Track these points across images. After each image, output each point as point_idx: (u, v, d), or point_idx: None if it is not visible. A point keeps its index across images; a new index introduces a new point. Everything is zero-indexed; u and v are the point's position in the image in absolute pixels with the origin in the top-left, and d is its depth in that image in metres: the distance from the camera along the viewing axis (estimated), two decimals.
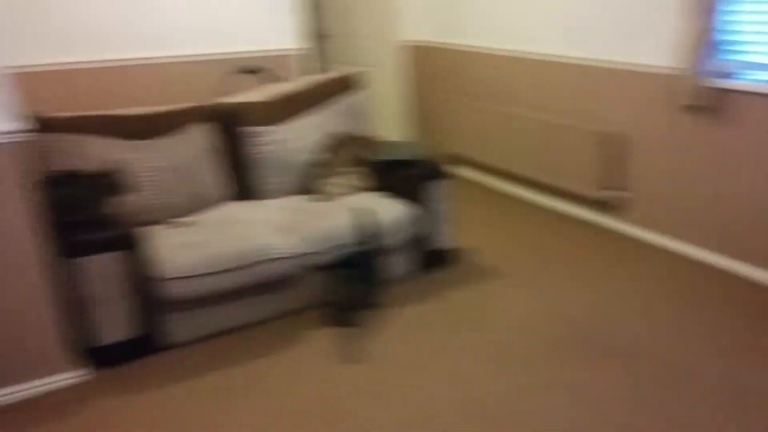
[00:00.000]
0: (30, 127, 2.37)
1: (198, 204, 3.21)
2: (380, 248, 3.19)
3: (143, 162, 3.05)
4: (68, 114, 3.00)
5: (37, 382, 2.60)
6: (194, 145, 3.24)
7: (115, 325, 2.72)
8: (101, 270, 2.65)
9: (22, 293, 2.49)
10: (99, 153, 2.98)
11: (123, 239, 2.68)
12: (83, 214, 2.73)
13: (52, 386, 2.63)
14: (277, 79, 4.23)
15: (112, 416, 2.47)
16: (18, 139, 2.38)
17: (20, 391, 2.58)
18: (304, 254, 2.95)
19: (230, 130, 3.45)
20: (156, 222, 3.06)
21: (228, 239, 2.87)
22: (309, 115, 3.61)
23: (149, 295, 2.74)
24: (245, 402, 2.52)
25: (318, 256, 3.00)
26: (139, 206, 3.00)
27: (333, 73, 3.90)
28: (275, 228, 3.01)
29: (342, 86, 3.82)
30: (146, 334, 2.80)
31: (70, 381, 2.66)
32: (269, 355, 2.81)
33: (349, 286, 3.16)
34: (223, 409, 2.48)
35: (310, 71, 4.43)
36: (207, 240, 2.85)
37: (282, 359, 2.78)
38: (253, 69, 4.29)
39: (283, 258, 2.89)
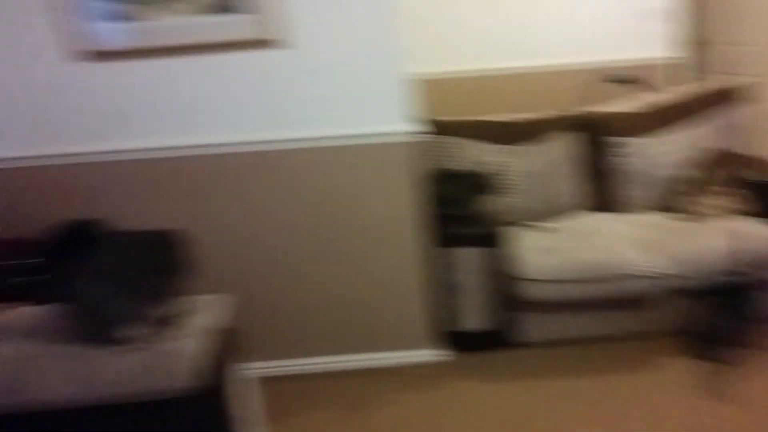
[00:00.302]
0: (425, 129, 2.66)
1: (553, 210, 3.26)
2: (757, 280, 2.85)
3: (510, 166, 3.20)
4: (454, 118, 3.30)
5: (404, 353, 2.93)
6: (556, 153, 3.28)
7: (475, 314, 2.93)
8: (468, 262, 2.87)
9: (403, 273, 2.83)
10: (474, 155, 3.21)
11: (489, 236, 2.86)
12: (458, 209, 2.99)
13: (415, 359, 2.94)
14: (649, 89, 4.06)
15: (462, 396, 2.67)
16: (413, 139, 2.69)
17: (389, 358, 2.94)
18: (670, 275, 2.78)
19: (594, 139, 3.41)
20: (516, 223, 3.19)
21: (590, 249, 2.85)
22: (681, 128, 3.39)
23: (508, 292, 2.88)
24: (591, 415, 2.48)
25: (684, 280, 2.80)
26: (503, 207, 3.16)
27: (711, 84, 3.59)
28: (639, 244, 2.90)
29: (721, 98, 3.50)
30: (501, 328, 2.94)
31: (431, 358, 2.95)
32: (618, 372, 2.73)
33: (717, 317, 2.89)
34: (566, 417, 2.48)
35: (686, 81, 4.14)
36: (568, 247, 2.88)
37: (631, 380, 2.67)
38: (625, 78, 4.18)
39: (646, 276, 2.77)
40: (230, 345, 2.00)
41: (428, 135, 3.14)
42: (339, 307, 2.87)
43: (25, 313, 2.01)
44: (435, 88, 3.89)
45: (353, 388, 2.80)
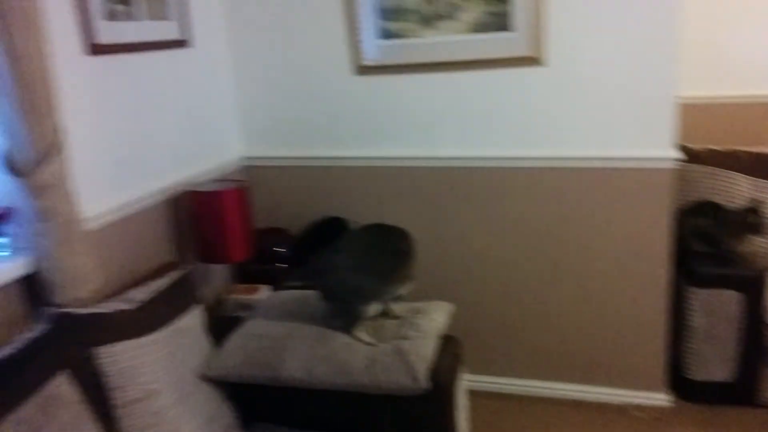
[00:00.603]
0: (682, 156, 2.46)
1: None
2: None
3: None
4: (713, 147, 3.02)
5: (622, 391, 2.76)
6: None
7: (712, 363, 2.66)
8: (716, 305, 2.60)
9: (643, 308, 2.64)
10: (736, 188, 2.90)
11: (748, 280, 2.56)
12: (715, 247, 2.72)
13: (633, 400, 2.75)
14: None
15: None
16: (671, 167, 2.50)
17: (605, 393, 2.78)
18: None
19: None
20: None
21: None
22: None
23: (759, 344, 2.55)
24: None
25: None
26: (764, 248, 2.81)
27: None
28: None
29: None
30: (740, 382, 2.64)
31: (651, 401, 2.74)
32: None
33: None
34: None
35: None
36: None
37: None
38: None
39: None
40: (457, 351, 2.02)
41: (683, 163, 2.91)
42: (562, 333, 2.77)
43: (278, 295, 2.22)
44: (687, 112, 3.60)
45: (560, 418, 2.70)
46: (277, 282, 2.39)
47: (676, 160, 2.49)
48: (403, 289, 1.99)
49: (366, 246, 1.96)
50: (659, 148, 2.48)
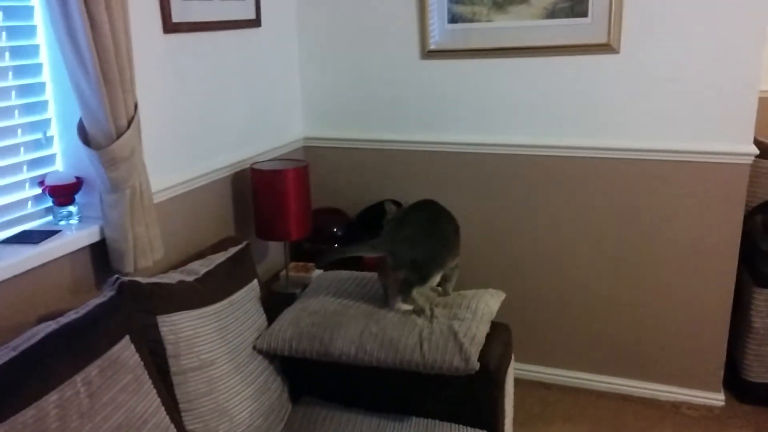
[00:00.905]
0: (755, 151, 2.36)
1: None
2: None
3: None
4: None
5: (674, 389, 2.72)
6: None
7: None
8: None
9: (707, 307, 2.57)
10: None
11: None
12: None
13: (685, 398, 2.70)
14: None
15: None
16: (746, 162, 2.41)
17: (656, 390, 2.73)
18: None
19: None
20: None
21: None
22: None
23: None
24: None
25: None
26: None
27: None
28: None
29: None
30: None
31: (703, 401, 2.68)
32: None
33: None
34: None
35: None
36: None
37: None
38: None
39: None
40: (508, 338, 2.02)
41: (756, 158, 2.79)
42: (616, 326, 2.73)
43: (331, 274, 2.26)
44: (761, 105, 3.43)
45: (608, 411, 2.68)
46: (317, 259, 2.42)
47: (753, 155, 2.40)
48: (456, 261, 2.04)
49: (424, 219, 1.99)
50: (737, 142, 2.39)
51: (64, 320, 1.44)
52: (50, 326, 1.40)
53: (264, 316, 2.04)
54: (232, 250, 2.05)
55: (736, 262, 2.51)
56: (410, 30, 2.70)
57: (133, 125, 1.74)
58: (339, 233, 2.81)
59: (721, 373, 2.64)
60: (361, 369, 1.87)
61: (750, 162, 2.42)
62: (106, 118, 1.66)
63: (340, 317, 1.95)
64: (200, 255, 2.06)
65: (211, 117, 2.37)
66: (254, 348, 1.92)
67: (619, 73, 2.48)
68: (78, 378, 1.35)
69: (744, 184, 2.43)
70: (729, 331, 2.59)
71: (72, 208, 1.85)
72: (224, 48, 2.40)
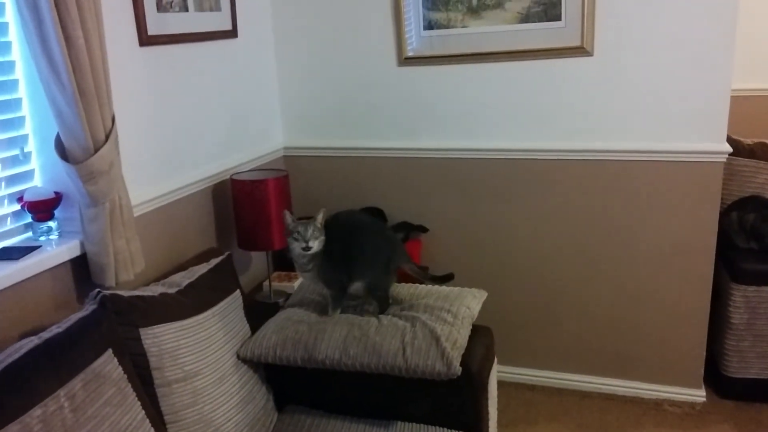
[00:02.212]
0: (730, 150, 2.41)
1: None
2: None
3: None
4: (763, 141, 2.94)
5: (656, 387, 2.75)
6: None
7: (750, 360, 2.63)
8: (759, 302, 2.55)
9: (684, 304, 2.61)
10: None
11: None
12: (759, 242, 2.67)
13: (667, 395, 2.73)
14: None
15: None
16: (719, 161, 2.45)
17: (639, 388, 2.76)
18: None
19: None
20: None
21: None
22: None
23: None
24: None
25: None
26: None
27: None
28: None
29: None
30: None
31: (684, 397, 2.71)
32: None
33: None
34: None
35: None
36: None
37: None
38: None
39: None
40: (490, 341, 2.04)
41: (730, 156, 2.84)
42: (597, 326, 2.76)
43: (309, 284, 2.27)
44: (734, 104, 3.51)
45: (592, 411, 2.70)
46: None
47: (725, 154, 2.44)
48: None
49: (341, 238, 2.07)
50: (711, 141, 2.44)
51: (46, 335, 1.44)
52: (32, 341, 1.40)
53: (247, 326, 2.04)
54: (214, 261, 2.05)
55: (714, 259, 2.55)
56: (387, 37, 2.73)
57: (110, 139, 1.74)
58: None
59: (702, 369, 2.68)
60: (345, 375, 1.88)
61: (724, 160, 2.46)
62: (83, 132, 1.67)
63: (324, 324, 1.96)
64: (182, 267, 2.06)
65: (190, 128, 2.37)
66: (238, 356, 1.92)
67: (594, 76, 2.52)
68: (61, 392, 1.35)
69: (719, 182, 2.48)
70: (708, 327, 2.63)
71: (51, 224, 1.85)
72: (201, 59, 2.41)
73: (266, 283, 2.60)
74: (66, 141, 1.70)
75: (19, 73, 1.80)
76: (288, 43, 2.88)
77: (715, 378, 2.74)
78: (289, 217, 2.00)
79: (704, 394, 2.70)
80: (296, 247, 1.98)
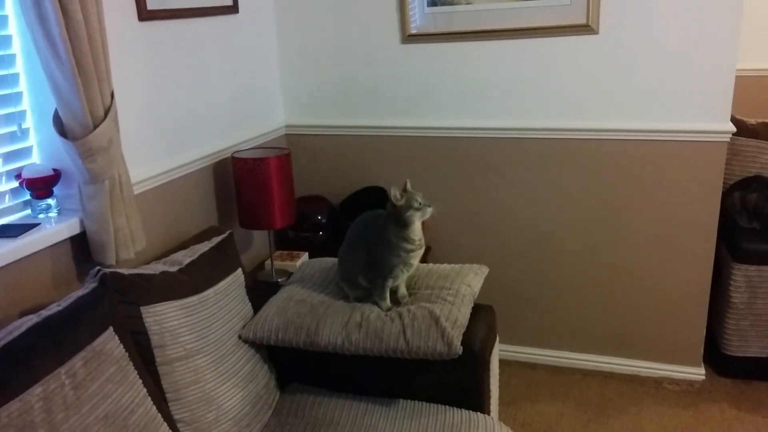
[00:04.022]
0: (734, 130, 2.39)
1: None
2: None
3: None
4: (762, 121, 2.92)
5: (656, 365, 2.75)
6: None
7: (749, 339, 2.64)
8: (759, 282, 2.55)
9: (685, 283, 2.61)
10: None
11: None
12: (762, 221, 2.66)
13: (667, 373, 2.74)
14: None
15: (709, 420, 2.44)
16: (723, 140, 2.43)
17: (639, 367, 2.77)
18: None
19: None
20: None
21: None
22: None
23: None
24: None
25: None
26: None
27: None
28: None
29: None
30: None
31: (685, 375, 2.72)
32: None
33: None
34: None
35: None
36: None
37: None
38: None
39: None
40: (492, 320, 2.03)
41: (735, 136, 2.82)
42: (598, 305, 2.76)
43: (316, 262, 2.26)
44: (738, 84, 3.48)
45: (592, 389, 2.71)
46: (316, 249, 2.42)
47: (730, 134, 2.43)
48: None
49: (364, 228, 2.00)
50: (715, 121, 2.42)
51: (46, 313, 1.43)
52: (32, 319, 1.39)
53: (249, 305, 2.04)
54: (216, 240, 2.04)
55: (715, 239, 2.54)
56: (390, 14, 2.69)
57: (110, 115, 1.72)
58: (323, 221, 2.81)
59: (701, 348, 2.69)
60: (348, 356, 1.88)
61: (727, 140, 2.44)
62: (81, 108, 1.64)
63: (325, 307, 1.95)
64: (183, 245, 2.05)
65: (191, 105, 2.35)
66: (240, 338, 1.92)
67: (599, 54, 2.49)
68: (62, 370, 1.34)
69: (722, 162, 2.46)
70: (708, 306, 2.63)
71: (50, 201, 1.83)
72: (202, 35, 2.38)
73: (268, 262, 2.59)
74: (64, 117, 1.68)
75: (16, 47, 1.78)
76: (290, 19, 2.85)
77: (715, 356, 2.75)
78: (397, 190, 1.87)
79: (703, 372, 2.71)
80: (417, 216, 1.86)
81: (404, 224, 1.87)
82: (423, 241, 1.93)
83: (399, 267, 1.90)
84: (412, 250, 1.90)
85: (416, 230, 1.90)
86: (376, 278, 1.92)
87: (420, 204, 1.87)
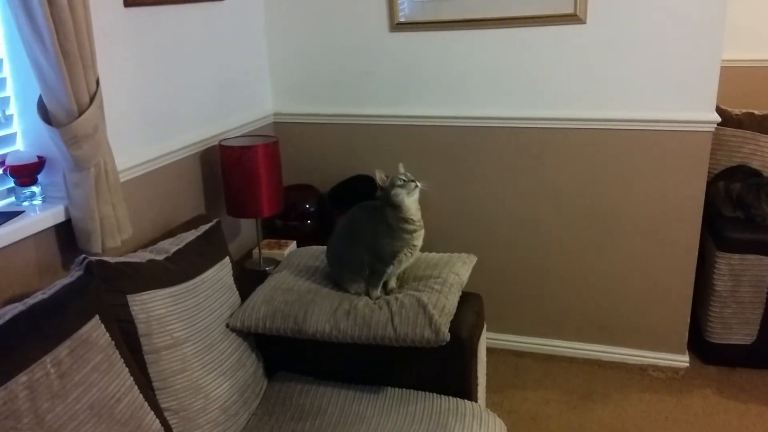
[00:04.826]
0: (719, 120, 2.41)
1: None
2: None
3: None
4: (751, 111, 2.95)
5: (642, 352, 2.79)
6: None
7: (733, 326, 2.67)
8: (743, 270, 2.58)
9: (670, 272, 2.64)
10: None
11: None
12: (745, 211, 2.69)
13: (652, 361, 2.77)
14: None
15: (693, 407, 2.47)
16: (708, 130, 2.45)
17: (624, 354, 2.81)
18: None
19: None
20: None
21: None
22: None
23: None
24: None
25: None
26: None
27: None
28: None
29: None
30: (761, 345, 2.66)
31: (670, 362, 2.75)
32: None
33: None
34: None
35: None
36: None
37: None
38: None
39: None
40: (479, 308, 2.04)
41: (719, 126, 2.84)
42: (584, 294, 2.78)
43: (304, 251, 2.25)
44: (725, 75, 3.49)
45: (578, 376, 2.74)
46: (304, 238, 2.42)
47: (714, 124, 2.44)
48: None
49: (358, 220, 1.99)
50: (700, 111, 2.43)
51: (31, 301, 1.42)
52: (17, 308, 1.38)
53: (237, 293, 2.03)
54: (203, 228, 2.03)
55: (700, 228, 2.56)
56: (379, 2, 2.68)
57: (95, 102, 1.70)
58: (311, 210, 2.80)
59: (686, 335, 2.72)
60: (336, 344, 1.88)
61: (712, 130, 2.46)
62: (66, 94, 1.62)
63: (313, 295, 1.95)
64: (170, 234, 2.03)
65: (177, 93, 2.33)
66: (228, 326, 1.91)
67: (586, 44, 2.49)
68: (47, 359, 1.34)
69: (707, 152, 2.48)
70: (693, 294, 2.66)
71: (35, 189, 1.81)
72: (188, 21, 2.35)
73: (256, 250, 2.58)
74: (49, 103, 1.66)
75: None
76: (278, 5, 2.83)
77: (699, 344, 2.78)
78: (382, 173, 1.90)
79: (688, 359, 2.74)
80: (403, 194, 1.85)
81: (395, 205, 1.87)
82: (422, 222, 1.93)
83: (403, 250, 1.90)
84: (414, 230, 1.90)
85: (412, 210, 1.89)
86: (377, 265, 1.91)
87: (403, 181, 1.86)
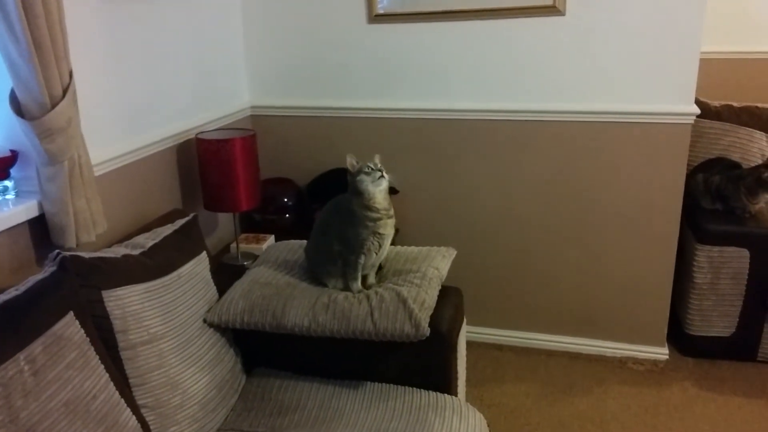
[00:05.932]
0: (699, 112, 2.42)
1: None
2: None
3: None
4: (730, 103, 2.97)
5: (622, 345, 2.80)
6: None
7: (713, 319, 2.70)
8: (723, 262, 2.60)
9: (649, 264, 2.65)
10: (758, 146, 2.87)
11: (757, 238, 2.56)
12: (724, 203, 2.71)
13: (632, 353, 2.79)
14: None
15: (671, 399, 2.49)
16: (688, 122, 2.47)
17: (604, 347, 2.82)
18: None
19: None
20: None
21: None
22: None
23: (764, 300, 2.56)
24: None
25: None
26: None
27: None
28: None
29: None
30: (741, 339, 2.68)
31: (649, 355, 2.77)
32: None
33: None
34: None
35: None
36: None
37: None
38: None
39: None
40: (459, 301, 2.04)
41: (700, 119, 2.87)
42: (563, 286, 2.80)
43: (281, 245, 2.24)
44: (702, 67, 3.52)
45: (558, 369, 2.75)
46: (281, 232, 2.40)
47: (694, 116, 2.46)
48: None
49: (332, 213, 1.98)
50: (679, 103, 2.44)
51: (3, 297, 1.39)
52: None
53: (214, 288, 2.01)
54: (179, 223, 2.01)
55: (679, 220, 2.58)
56: None
57: (68, 94, 1.67)
58: (289, 203, 2.78)
59: (665, 328, 2.74)
60: (315, 338, 1.87)
61: (692, 122, 2.48)
62: (39, 87, 1.59)
63: (292, 289, 1.93)
64: (146, 228, 2.01)
65: (153, 86, 2.29)
66: (205, 321, 1.89)
67: (565, 36, 2.50)
68: (21, 356, 1.31)
69: (686, 144, 2.50)
70: (672, 287, 2.68)
71: (7, 183, 1.78)
72: (164, 13, 2.32)
73: (233, 245, 2.56)
74: (21, 96, 1.62)
75: None
76: None
77: (678, 336, 2.81)
78: (352, 158, 1.87)
79: (667, 352, 2.76)
80: (368, 181, 1.84)
81: (358, 192, 1.86)
82: (392, 212, 1.92)
83: (369, 239, 1.88)
84: (379, 218, 1.88)
85: (378, 199, 1.87)
86: (349, 255, 1.90)
87: (371, 169, 1.85)
